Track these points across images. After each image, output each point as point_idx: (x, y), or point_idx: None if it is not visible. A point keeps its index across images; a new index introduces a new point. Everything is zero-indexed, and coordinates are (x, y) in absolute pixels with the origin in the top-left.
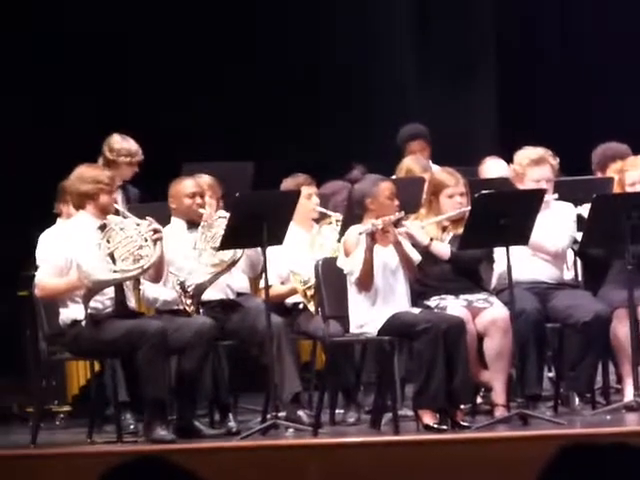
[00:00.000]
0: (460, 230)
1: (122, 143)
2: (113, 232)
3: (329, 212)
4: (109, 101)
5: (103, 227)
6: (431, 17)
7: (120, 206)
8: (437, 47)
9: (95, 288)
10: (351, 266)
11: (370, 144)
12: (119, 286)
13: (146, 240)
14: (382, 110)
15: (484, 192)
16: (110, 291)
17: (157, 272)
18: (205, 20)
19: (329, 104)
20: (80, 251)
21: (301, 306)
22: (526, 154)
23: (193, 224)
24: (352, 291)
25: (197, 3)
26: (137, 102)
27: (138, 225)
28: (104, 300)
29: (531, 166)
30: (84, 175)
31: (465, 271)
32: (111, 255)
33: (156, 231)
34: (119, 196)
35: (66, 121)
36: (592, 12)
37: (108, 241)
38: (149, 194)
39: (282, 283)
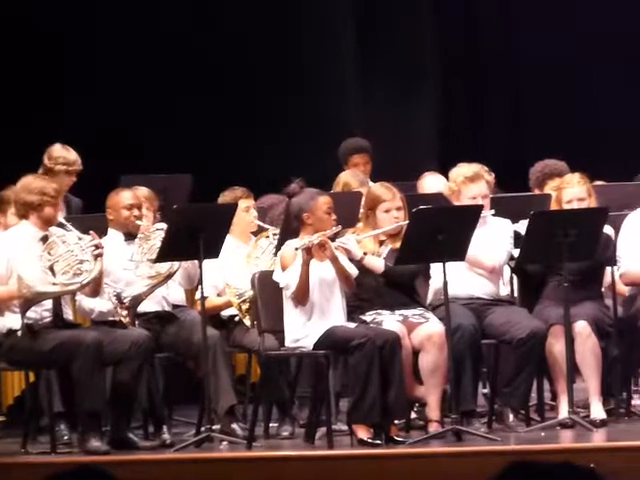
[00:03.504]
0: (397, 244)
1: (61, 152)
2: (55, 244)
3: (266, 225)
4: (46, 113)
5: (45, 239)
6: (373, 33)
7: (61, 216)
8: (379, 63)
9: (34, 299)
10: (287, 280)
11: (309, 158)
12: (56, 298)
13: (87, 255)
14: (322, 125)
15: (422, 207)
16: (47, 302)
17: (95, 288)
18: (146, 36)
19: (268, 118)
20: (21, 261)
21: (237, 319)
22: (461, 171)
23: (130, 236)
24: (288, 305)
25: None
26: (76, 113)
27: (80, 239)
28: (41, 311)
29: (466, 183)
30: (31, 185)
31: (401, 286)
32: (51, 267)
33: (97, 247)
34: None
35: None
36: (535, 29)
37: (49, 253)
38: (87, 205)
39: (218, 295)
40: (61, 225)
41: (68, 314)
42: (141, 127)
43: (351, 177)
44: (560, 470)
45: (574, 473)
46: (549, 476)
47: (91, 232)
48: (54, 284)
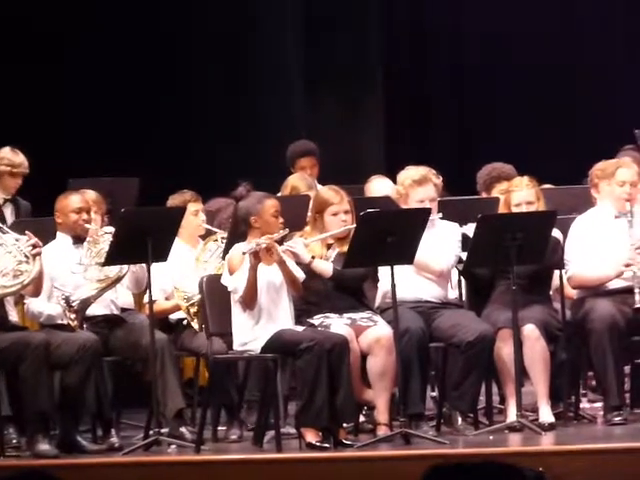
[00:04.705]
0: (345, 248)
1: (7, 153)
2: None
3: (214, 229)
4: None
5: None
6: (322, 35)
7: (9, 219)
8: (327, 66)
9: None
10: (235, 284)
11: (256, 161)
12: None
13: (26, 256)
14: (269, 128)
15: (369, 210)
16: None
17: (36, 287)
18: (96, 36)
19: (217, 121)
20: None
21: (185, 322)
22: (408, 175)
23: (79, 239)
24: (236, 309)
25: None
26: (25, 117)
27: (17, 240)
28: None
29: (414, 187)
30: None
31: (349, 289)
32: None
33: (35, 246)
34: (8, 209)
35: None
36: (480, 31)
37: None
38: (36, 209)
39: (166, 299)
40: None
41: (13, 316)
42: (89, 130)
43: (299, 180)
44: (482, 470)
45: (496, 471)
46: (471, 476)
47: (27, 232)
48: None
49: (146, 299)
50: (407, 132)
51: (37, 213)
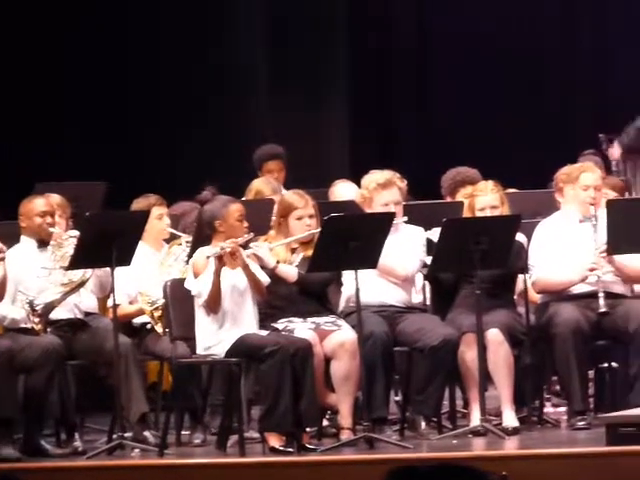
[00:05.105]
0: (309, 252)
1: None
2: None
3: (179, 233)
4: None
5: None
6: (287, 37)
7: None
8: (291, 70)
9: None
10: (199, 288)
11: (221, 165)
12: None
13: None
14: (234, 132)
15: (334, 215)
16: None
17: (0, 291)
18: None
19: (182, 125)
20: None
21: (149, 327)
22: (373, 178)
23: (43, 243)
24: (200, 313)
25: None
26: None
27: None
28: None
29: (378, 190)
30: None
31: (313, 294)
32: None
33: None
34: None
35: None
36: (446, 33)
37: None
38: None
39: (130, 303)
40: None
41: None
42: (55, 134)
43: (264, 184)
44: (439, 473)
45: (458, 474)
46: (432, 479)
47: None
48: None
49: (110, 303)
50: (372, 136)
51: (1, 217)
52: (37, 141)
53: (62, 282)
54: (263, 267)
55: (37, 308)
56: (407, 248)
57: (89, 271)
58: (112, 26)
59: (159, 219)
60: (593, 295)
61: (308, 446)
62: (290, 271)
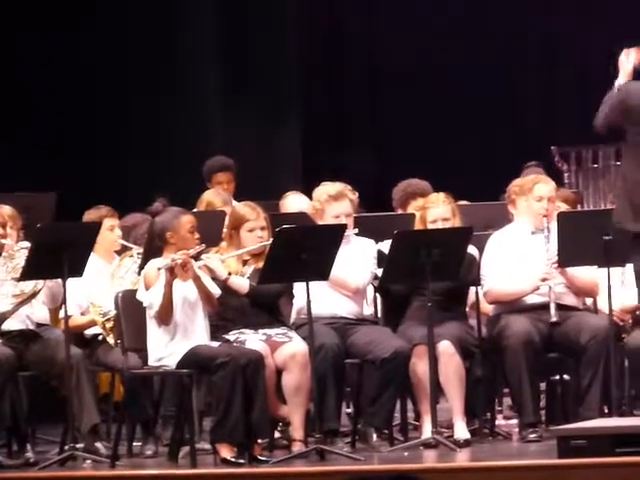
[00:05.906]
0: (261, 264)
1: None
2: None
3: (130, 245)
4: None
5: None
6: (240, 51)
7: None
8: (244, 82)
9: None
10: (150, 299)
11: (172, 176)
12: None
13: None
14: (186, 144)
15: (285, 227)
16: None
17: None
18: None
19: (135, 136)
20: None
21: (100, 338)
22: (324, 190)
23: None
24: (151, 324)
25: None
26: None
27: None
28: None
29: (330, 202)
30: None
31: (264, 305)
32: None
33: None
34: None
35: None
36: (396, 42)
37: None
38: None
39: (82, 314)
40: None
41: None
42: (5, 145)
43: (215, 196)
44: None
45: None
46: None
47: None
48: None
49: (62, 314)
50: (323, 149)
51: None
52: None
53: (14, 293)
54: (214, 279)
55: None
56: (358, 260)
57: (40, 282)
58: (63, 41)
59: (110, 230)
60: (544, 307)
61: (260, 457)
62: (242, 283)
